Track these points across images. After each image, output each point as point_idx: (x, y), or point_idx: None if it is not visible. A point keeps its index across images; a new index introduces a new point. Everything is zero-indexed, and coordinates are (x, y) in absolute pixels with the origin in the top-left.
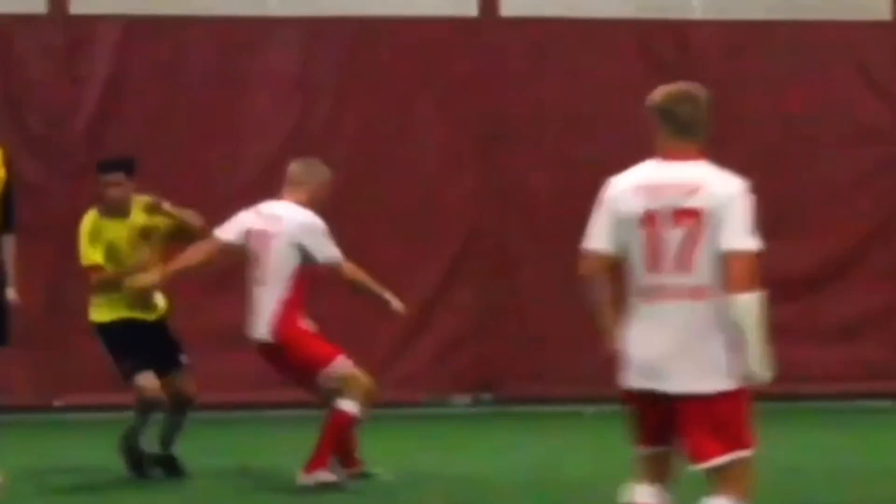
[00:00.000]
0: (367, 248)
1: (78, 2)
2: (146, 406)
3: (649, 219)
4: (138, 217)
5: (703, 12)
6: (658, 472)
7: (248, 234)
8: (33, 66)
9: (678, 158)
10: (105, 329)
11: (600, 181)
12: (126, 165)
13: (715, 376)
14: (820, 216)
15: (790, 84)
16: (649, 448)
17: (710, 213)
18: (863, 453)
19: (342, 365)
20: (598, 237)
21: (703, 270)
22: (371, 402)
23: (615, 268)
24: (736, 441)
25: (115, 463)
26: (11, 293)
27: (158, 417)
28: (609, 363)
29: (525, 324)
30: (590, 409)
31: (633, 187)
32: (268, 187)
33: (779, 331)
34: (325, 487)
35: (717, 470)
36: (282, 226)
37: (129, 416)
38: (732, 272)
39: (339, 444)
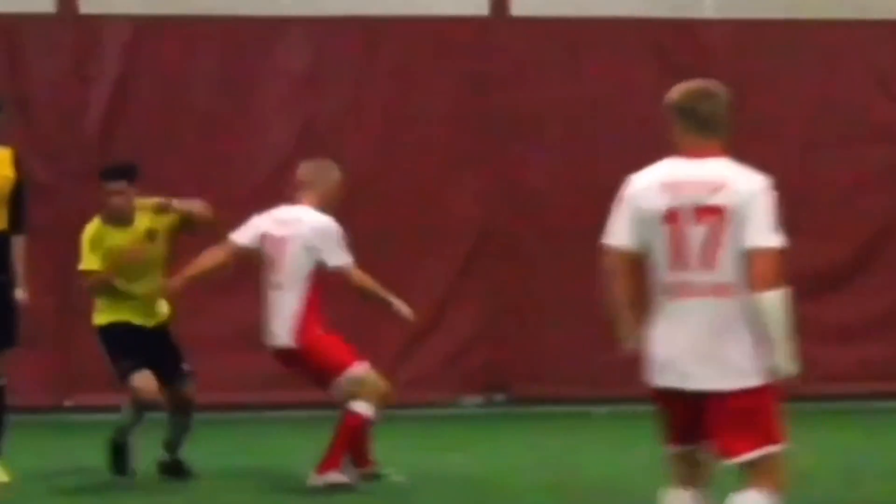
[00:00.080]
0: (378, 248)
1: (87, 1)
2: (141, 407)
3: (672, 216)
4: (142, 222)
5: (714, 11)
6: (692, 475)
7: (264, 238)
8: (42, 65)
9: (699, 156)
10: (104, 330)
11: (612, 180)
12: (128, 173)
13: (742, 372)
14: (831, 216)
15: (801, 83)
16: (679, 447)
17: (734, 210)
18: (876, 453)
19: (359, 369)
20: (619, 234)
21: (727, 267)
22: (385, 404)
23: (636, 265)
24: (766, 436)
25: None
26: (21, 293)
27: (154, 419)
28: (621, 363)
29: (536, 324)
30: (601, 410)
31: (655, 185)
32: (278, 187)
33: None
34: (335, 488)
35: (749, 465)
36: (297, 229)
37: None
38: (757, 269)
39: (351, 445)
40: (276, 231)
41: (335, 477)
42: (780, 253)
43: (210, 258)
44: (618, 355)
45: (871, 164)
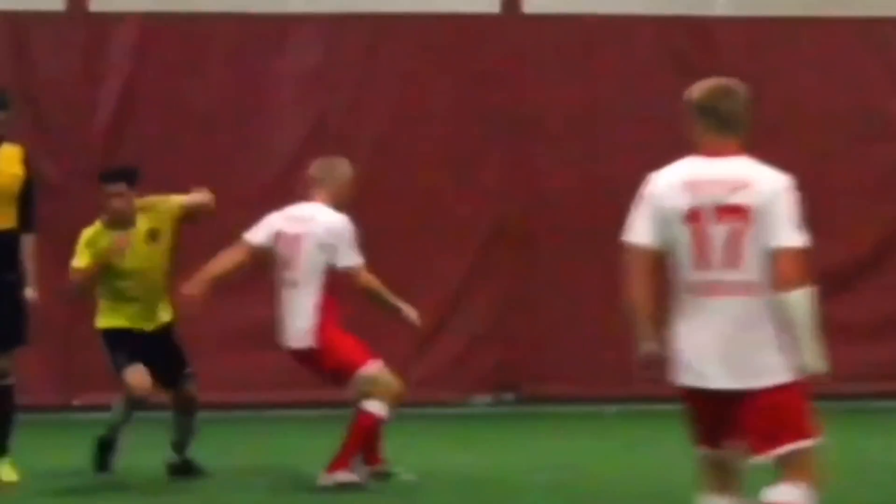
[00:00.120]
0: (389, 245)
1: None
2: (132, 402)
3: (694, 215)
4: (143, 223)
5: (728, 9)
6: (725, 481)
7: (278, 236)
8: (52, 64)
9: (720, 154)
10: (105, 334)
11: (624, 178)
12: (128, 175)
13: (769, 370)
14: (845, 214)
15: (813, 81)
16: (710, 449)
17: (757, 209)
18: (885, 452)
19: (373, 368)
20: (640, 232)
21: (751, 266)
22: (398, 403)
23: (657, 264)
24: (796, 431)
25: (135, 462)
26: (30, 292)
27: (160, 419)
28: (632, 362)
29: (547, 323)
30: (611, 409)
31: (676, 183)
32: (290, 185)
33: None
34: (345, 487)
35: (782, 461)
36: (311, 227)
37: (148, 416)
38: (782, 268)
39: (364, 445)
40: (290, 229)
41: (345, 476)
42: (805, 252)
43: (226, 260)
44: (634, 355)
45: (885, 164)
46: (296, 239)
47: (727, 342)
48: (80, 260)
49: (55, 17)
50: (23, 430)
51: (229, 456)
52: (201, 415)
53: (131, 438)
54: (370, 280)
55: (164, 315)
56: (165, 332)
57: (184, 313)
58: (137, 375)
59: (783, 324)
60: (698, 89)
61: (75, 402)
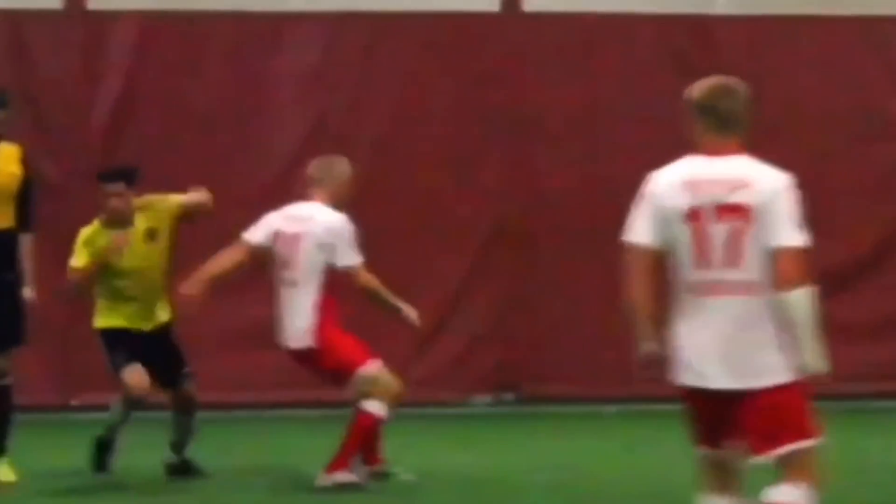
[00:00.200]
0: (389, 245)
1: None
2: (130, 402)
3: (694, 215)
4: (142, 222)
5: (728, 7)
6: (725, 481)
7: (277, 236)
8: (50, 62)
9: (720, 153)
10: (103, 333)
11: (625, 177)
12: (127, 175)
13: (770, 370)
14: (844, 214)
15: (813, 80)
16: (710, 449)
17: (757, 208)
18: (885, 452)
19: (373, 368)
20: (641, 231)
21: (752, 266)
22: (397, 403)
23: (657, 263)
24: (797, 431)
25: (134, 463)
26: (29, 292)
27: (159, 419)
28: (631, 362)
29: (547, 323)
30: (611, 409)
31: (676, 183)
32: (290, 184)
33: None
34: (344, 488)
35: (783, 461)
36: (310, 226)
37: (147, 416)
38: (782, 268)
39: (363, 445)
40: (289, 228)
41: (344, 476)
42: (805, 251)
43: (225, 260)
44: (634, 355)
45: (885, 164)
46: (295, 238)
47: (727, 342)
48: (78, 259)
49: (53, 16)
50: (21, 430)
51: (228, 456)
52: (201, 415)
53: (131, 438)
54: (369, 280)
55: (163, 315)
56: (164, 331)
57: (182, 313)
58: (136, 375)
59: (783, 323)
60: (698, 88)
61: (74, 402)
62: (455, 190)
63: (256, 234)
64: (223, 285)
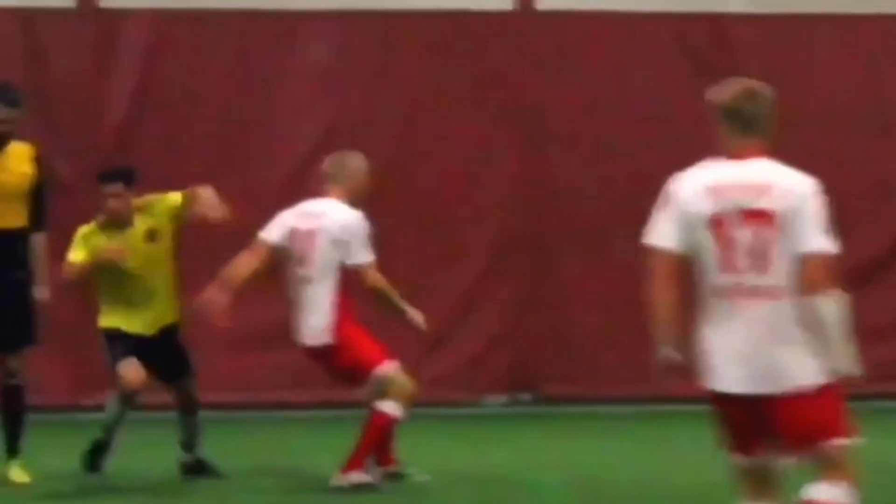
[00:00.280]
0: (403, 245)
1: None
2: (125, 397)
3: (718, 220)
4: (142, 222)
5: (743, 6)
6: (763, 486)
7: (292, 233)
8: (63, 61)
9: (744, 157)
10: (106, 333)
11: (639, 176)
12: (125, 176)
13: (801, 373)
14: (861, 212)
15: (831, 79)
16: (744, 456)
17: (783, 213)
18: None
19: (389, 368)
20: (665, 236)
21: (779, 271)
22: (412, 404)
23: (680, 268)
24: (832, 430)
25: (146, 463)
26: (41, 292)
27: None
28: (650, 363)
29: (563, 322)
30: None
31: (700, 188)
32: (303, 183)
33: None
34: (359, 488)
35: (819, 460)
36: (324, 223)
37: (158, 417)
38: (811, 274)
39: (378, 446)
40: (304, 224)
41: (359, 477)
42: (833, 256)
43: (245, 264)
44: (653, 358)
45: None
46: (309, 235)
47: (756, 346)
48: (76, 254)
49: (66, 15)
50: (33, 430)
51: (242, 456)
52: (215, 415)
53: (140, 438)
54: (378, 279)
55: (168, 316)
56: (169, 332)
57: (206, 320)
58: (131, 369)
59: (813, 328)
60: (722, 91)
61: (86, 403)
62: (468, 189)
63: (272, 232)
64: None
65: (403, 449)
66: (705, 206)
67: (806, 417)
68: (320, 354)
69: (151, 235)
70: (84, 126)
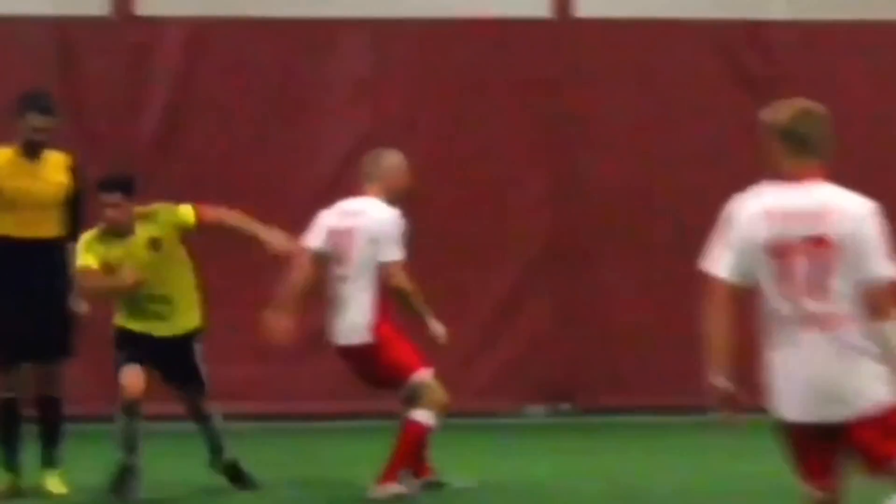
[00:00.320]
0: (444, 252)
1: (143, 3)
2: (127, 407)
3: (777, 246)
4: (144, 231)
5: (785, 12)
6: None
7: (330, 233)
8: (98, 69)
9: (801, 179)
10: (118, 332)
11: (679, 184)
12: (124, 185)
13: (869, 396)
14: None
15: (873, 86)
16: (815, 484)
17: (842, 239)
18: None
19: (425, 375)
20: (723, 264)
21: (839, 297)
22: (445, 413)
23: (738, 296)
24: None
25: (183, 474)
26: (78, 301)
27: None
28: (694, 371)
29: (603, 331)
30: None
31: (759, 213)
32: (341, 190)
33: None
34: (398, 499)
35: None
36: (361, 221)
37: (194, 427)
38: (876, 300)
39: (413, 455)
40: (341, 223)
41: (397, 488)
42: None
43: (296, 279)
44: (691, 366)
45: None
46: (347, 233)
47: (821, 373)
48: (84, 260)
49: (101, 23)
50: (73, 441)
51: (277, 468)
52: (250, 426)
53: (177, 449)
54: (403, 280)
55: (187, 321)
56: (186, 339)
57: (275, 342)
58: (131, 377)
59: (880, 353)
60: (777, 111)
61: None
62: (510, 197)
63: (314, 238)
64: (268, 295)
65: (444, 459)
66: (764, 233)
67: (877, 439)
68: (355, 354)
69: (154, 244)
70: (120, 135)
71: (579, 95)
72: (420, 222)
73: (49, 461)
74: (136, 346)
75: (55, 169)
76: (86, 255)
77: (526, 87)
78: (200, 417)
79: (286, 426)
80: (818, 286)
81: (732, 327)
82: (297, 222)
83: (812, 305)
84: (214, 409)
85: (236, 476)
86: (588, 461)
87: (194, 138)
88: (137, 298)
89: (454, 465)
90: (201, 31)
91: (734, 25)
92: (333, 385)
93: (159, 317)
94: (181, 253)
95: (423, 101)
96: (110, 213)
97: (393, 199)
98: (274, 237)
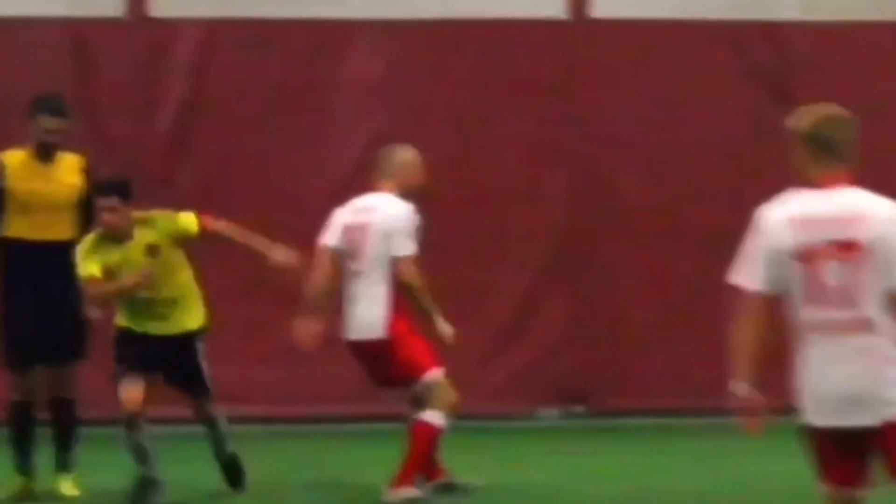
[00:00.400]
0: (458, 254)
1: (157, 4)
2: (128, 421)
3: (806, 254)
4: (143, 236)
5: (800, 13)
6: None
7: (345, 229)
8: (112, 71)
9: (829, 186)
10: (118, 332)
11: (695, 183)
12: (121, 189)
13: None
14: None
15: (888, 86)
16: (838, 487)
17: (872, 244)
18: None
19: (437, 375)
20: (751, 276)
21: (870, 303)
22: (454, 414)
23: (768, 307)
24: None
25: (197, 477)
26: (90, 308)
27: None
28: (708, 374)
29: (617, 333)
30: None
31: (787, 221)
32: (355, 190)
33: None
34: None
35: None
36: (375, 216)
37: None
38: None
39: (426, 457)
40: (356, 219)
41: (411, 492)
42: None
43: (317, 279)
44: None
45: None
46: (361, 229)
47: (851, 379)
48: (88, 268)
49: (115, 24)
50: (87, 444)
51: (292, 471)
52: (263, 429)
53: (191, 453)
54: (413, 275)
55: (188, 321)
56: (187, 339)
57: (304, 347)
58: (131, 390)
59: None
60: (803, 117)
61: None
62: (522, 199)
63: (330, 236)
64: (281, 296)
65: (456, 461)
66: (793, 240)
67: None
68: (368, 350)
69: (151, 251)
70: (133, 136)
71: (595, 96)
72: (434, 223)
73: (63, 465)
74: (136, 351)
75: (68, 171)
76: (87, 263)
77: (541, 87)
78: (205, 420)
79: (297, 429)
80: (849, 292)
81: (760, 337)
82: (312, 222)
83: (842, 311)
84: (219, 411)
85: (232, 469)
86: (601, 464)
87: (208, 139)
88: (139, 301)
89: (468, 467)
90: (215, 32)
91: (749, 26)
92: (345, 388)
93: (161, 317)
94: (179, 256)
95: (437, 101)
96: (107, 217)
97: (407, 195)
98: (275, 251)
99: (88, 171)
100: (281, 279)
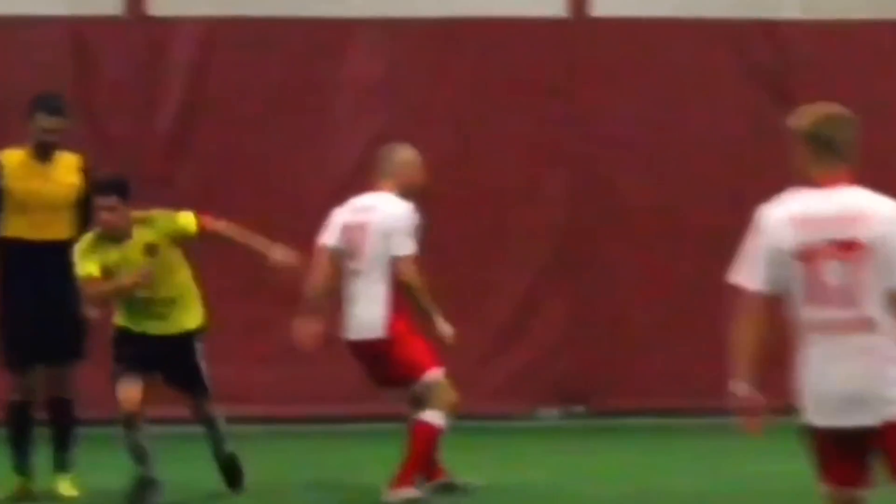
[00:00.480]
0: (457, 254)
1: (157, 3)
2: (126, 421)
3: (807, 253)
4: (142, 236)
5: (800, 11)
6: None
7: (344, 228)
8: (111, 70)
9: (830, 185)
10: (117, 332)
11: (695, 182)
12: (119, 188)
13: None
14: None
15: (888, 85)
16: (839, 487)
17: (873, 243)
18: None
19: (436, 375)
20: (751, 276)
21: (870, 302)
22: (454, 414)
23: (769, 307)
24: None
25: (196, 477)
26: (88, 308)
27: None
28: (710, 374)
29: (617, 333)
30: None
31: (787, 220)
32: (355, 190)
33: None
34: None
35: None
36: (374, 216)
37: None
38: None
39: (426, 457)
40: (355, 218)
41: (411, 492)
42: None
43: (316, 279)
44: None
45: None
46: (360, 228)
47: (852, 379)
48: (86, 268)
49: (114, 23)
50: (85, 444)
51: (292, 471)
52: (264, 429)
53: (190, 453)
54: (413, 275)
55: (186, 320)
56: (185, 337)
57: (304, 348)
58: (129, 391)
59: None
60: (803, 116)
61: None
62: (522, 199)
63: (329, 236)
64: (287, 296)
65: (456, 461)
66: (793, 239)
67: None
68: (367, 350)
69: (150, 250)
70: (133, 135)
71: (595, 95)
72: (434, 223)
73: (61, 465)
74: (134, 351)
75: (67, 170)
76: (86, 263)
77: (541, 86)
78: (204, 419)
79: (297, 429)
80: (850, 291)
81: (761, 337)
82: (312, 222)
83: (843, 311)
84: (218, 411)
85: (231, 470)
86: (601, 464)
87: (208, 139)
88: (137, 300)
89: (467, 467)
90: (215, 31)
91: (750, 25)
92: (345, 388)
93: (159, 317)
94: (178, 256)
95: (437, 101)
96: (105, 216)
97: (406, 194)
98: (274, 251)
99: (87, 171)
100: (280, 279)
